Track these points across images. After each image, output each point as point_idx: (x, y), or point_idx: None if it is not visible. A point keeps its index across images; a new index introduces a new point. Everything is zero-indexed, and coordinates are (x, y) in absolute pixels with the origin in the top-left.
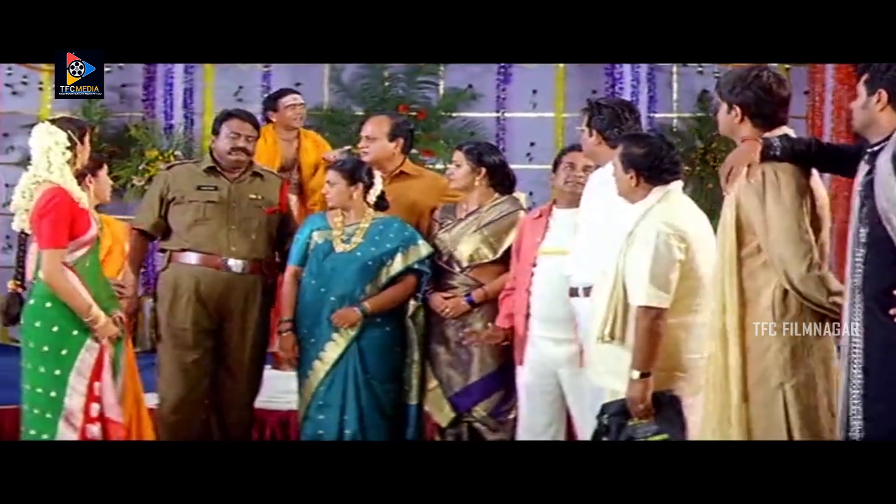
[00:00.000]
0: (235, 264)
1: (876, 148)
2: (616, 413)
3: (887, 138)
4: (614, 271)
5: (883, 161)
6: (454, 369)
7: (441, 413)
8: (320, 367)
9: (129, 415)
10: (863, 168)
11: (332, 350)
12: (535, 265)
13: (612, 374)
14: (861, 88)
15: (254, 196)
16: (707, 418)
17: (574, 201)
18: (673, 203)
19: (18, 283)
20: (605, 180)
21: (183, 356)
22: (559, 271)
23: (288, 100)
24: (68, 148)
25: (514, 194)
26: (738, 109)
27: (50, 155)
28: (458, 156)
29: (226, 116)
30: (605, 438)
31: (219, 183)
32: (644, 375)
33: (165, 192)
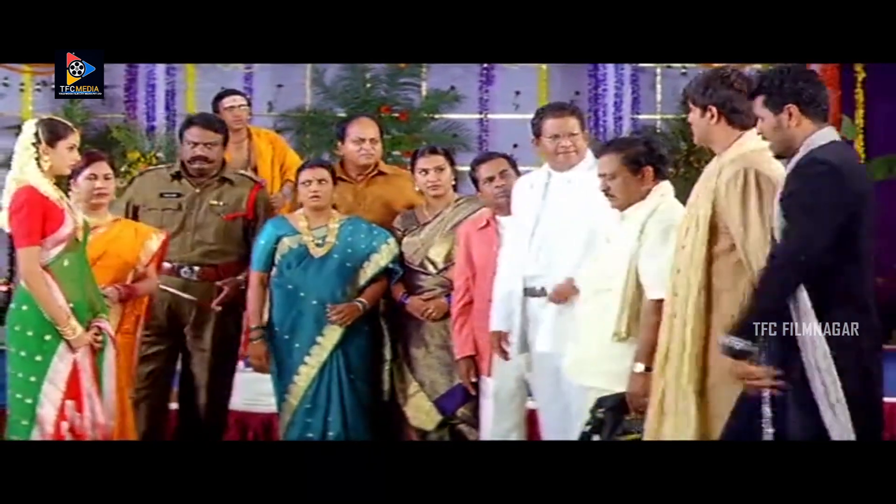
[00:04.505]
0: (187, 271)
1: None
2: (612, 408)
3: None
4: (626, 270)
5: None
6: (437, 372)
7: (426, 417)
8: (307, 371)
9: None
10: None
11: (319, 353)
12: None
13: (610, 375)
14: (763, 111)
15: (215, 202)
16: (663, 414)
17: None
18: (673, 201)
19: (7, 281)
20: (570, 179)
21: (139, 361)
22: None
23: (226, 101)
24: (33, 144)
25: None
26: (713, 110)
27: (19, 152)
28: (439, 159)
29: (186, 124)
30: (596, 435)
31: (183, 189)
32: (648, 370)
33: (131, 199)
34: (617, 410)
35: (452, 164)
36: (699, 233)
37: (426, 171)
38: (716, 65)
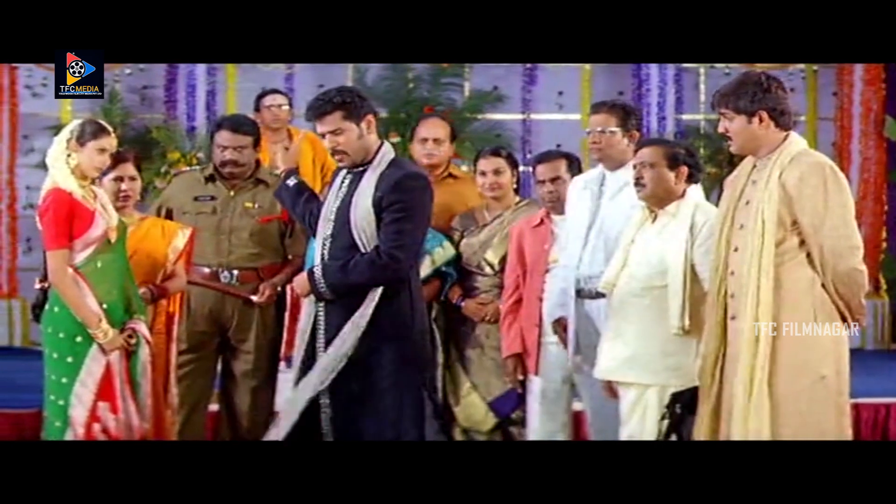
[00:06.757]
0: (226, 276)
1: None
2: (688, 403)
3: None
4: (682, 266)
5: None
6: (492, 374)
7: (481, 419)
8: None
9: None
10: None
11: None
12: (546, 272)
13: (674, 370)
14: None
15: (249, 204)
16: (719, 415)
17: (562, 208)
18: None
19: (43, 279)
20: (626, 181)
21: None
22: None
23: (266, 100)
24: (66, 141)
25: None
26: (763, 115)
27: (52, 148)
28: (499, 162)
29: (215, 127)
30: (675, 433)
31: (217, 192)
32: None
33: (165, 202)
34: (692, 406)
35: (515, 166)
36: (766, 233)
37: (485, 172)
38: (759, 66)
